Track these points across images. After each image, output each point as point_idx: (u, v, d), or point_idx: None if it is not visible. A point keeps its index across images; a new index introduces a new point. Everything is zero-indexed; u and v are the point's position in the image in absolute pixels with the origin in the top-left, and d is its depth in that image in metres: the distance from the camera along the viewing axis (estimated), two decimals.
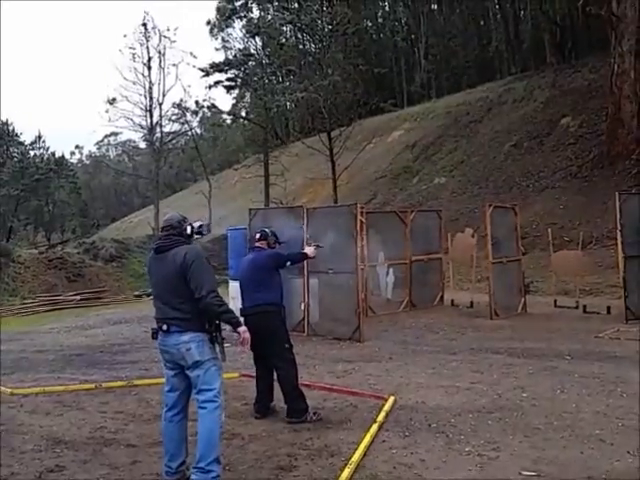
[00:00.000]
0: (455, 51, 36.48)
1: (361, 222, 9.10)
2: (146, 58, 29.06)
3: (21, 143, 45.13)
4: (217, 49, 45.82)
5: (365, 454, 3.84)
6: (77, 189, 47.24)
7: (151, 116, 29.66)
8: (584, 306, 10.54)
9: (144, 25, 28.68)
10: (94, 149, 63.17)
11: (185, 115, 33.76)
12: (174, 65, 29.63)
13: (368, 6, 39.51)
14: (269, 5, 29.04)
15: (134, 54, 28.81)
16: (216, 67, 28.36)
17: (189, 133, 37.77)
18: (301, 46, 35.16)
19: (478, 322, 9.91)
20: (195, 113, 37.47)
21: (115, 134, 45.88)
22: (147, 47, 28.96)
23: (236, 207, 27.49)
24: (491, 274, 10.25)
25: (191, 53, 34.25)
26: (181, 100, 35.42)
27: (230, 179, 37.85)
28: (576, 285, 11.48)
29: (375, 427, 4.32)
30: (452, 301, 11.92)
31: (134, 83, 29.04)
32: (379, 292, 11.64)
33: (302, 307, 8.91)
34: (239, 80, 29.81)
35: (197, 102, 36.45)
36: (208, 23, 39.90)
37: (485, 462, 3.71)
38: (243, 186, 33.45)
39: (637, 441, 3.94)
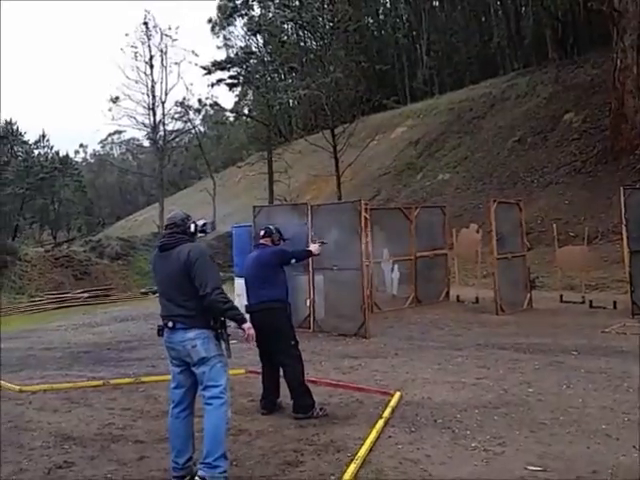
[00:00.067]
0: (457, 47, 36.32)
1: (365, 219, 9.10)
2: (148, 57, 29.22)
3: (25, 142, 45.30)
4: (219, 47, 45.77)
5: (371, 449, 3.85)
6: (82, 187, 47.35)
7: (154, 114, 29.79)
8: (590, 301, 10.53)
9: (145, 24, 28.80)
10: (98, 148, 63.33)
11: (188, 113, 33.95)
12: (176, 63, 29.69)
13: (369, 3, 39.34)
14: (270, 3, 28.92)
15: (136, 53, 28.98)
16: (218, 65, 28.33)
17: (192, 131, 37.91)
18: (302, 43, 35.11)
19: (484, 318, 9.90)
20: (198, 111, 37.71)
21: (119, 132, 45.94)
22: (149, 46, 29.13)
23: (240, 204, 27.50)
24: (496, 270, 10.24)
25: (193, 51, 34.48)
26: (184, 98, 35.64)
27: (234, 177, 37.89)
28: (582, 280, 11.45)
29: (381, 423, 4.32)
30: (457, 297, 11.92)
31: (137, 82, 29.21)
32: (384, 288, 11.63)
33: (307, 304, 8.93)
34: (241, 78, 29.79)
35: (200, 100, 36.74)
36: (209, 21, 39.89)
37: (491, 457, 3.72)
38: (247, 183, 33.51)
39: None
